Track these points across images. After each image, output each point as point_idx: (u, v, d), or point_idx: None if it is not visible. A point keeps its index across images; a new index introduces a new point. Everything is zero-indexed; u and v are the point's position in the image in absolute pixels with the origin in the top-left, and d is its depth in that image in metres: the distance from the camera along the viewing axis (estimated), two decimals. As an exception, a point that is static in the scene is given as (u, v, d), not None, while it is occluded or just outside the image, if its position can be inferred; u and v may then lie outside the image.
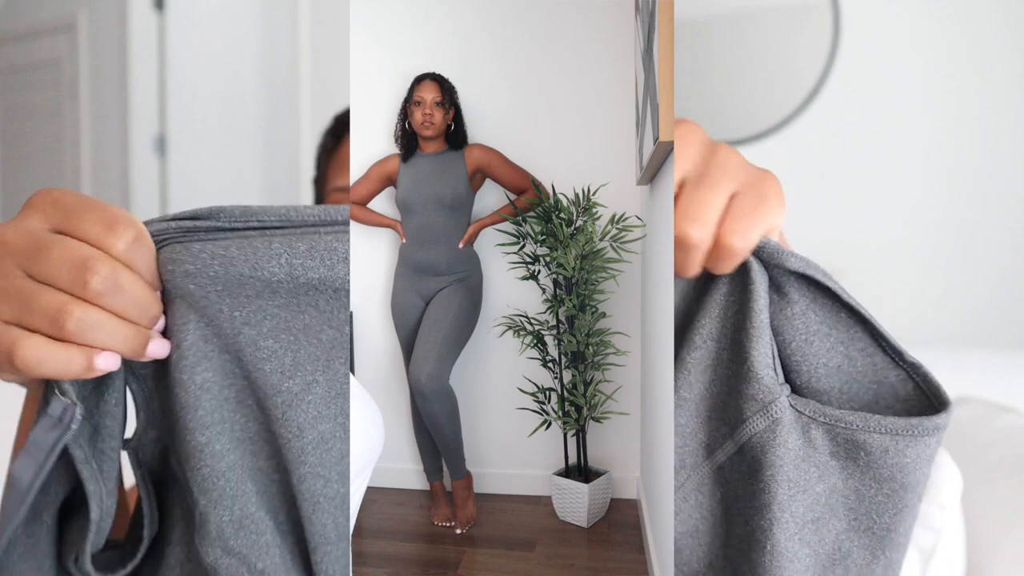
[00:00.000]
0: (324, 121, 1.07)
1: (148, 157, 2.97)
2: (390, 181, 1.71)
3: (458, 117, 1.69)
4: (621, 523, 1.66)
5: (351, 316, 1.83)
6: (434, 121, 1.63)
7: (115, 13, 3.02)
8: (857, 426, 0.44)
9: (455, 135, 1.68)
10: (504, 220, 1.68)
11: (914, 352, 0.46)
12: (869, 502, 0.45)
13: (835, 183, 2.49)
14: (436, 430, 1.61)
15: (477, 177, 1.69)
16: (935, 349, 1.37)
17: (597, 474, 1.68)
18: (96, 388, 0.42)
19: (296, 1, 2.87)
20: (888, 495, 0.45)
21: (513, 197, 1.72)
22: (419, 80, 1.66)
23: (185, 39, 2.95)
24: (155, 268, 0.38)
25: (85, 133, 3.20)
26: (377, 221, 1.73)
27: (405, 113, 1.68)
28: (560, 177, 1.74)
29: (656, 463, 1.23)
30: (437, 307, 1.66)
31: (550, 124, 1.78)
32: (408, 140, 1.68)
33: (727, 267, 0.43)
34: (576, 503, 1.63)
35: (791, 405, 0.45)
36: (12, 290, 0.33)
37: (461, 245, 1.67)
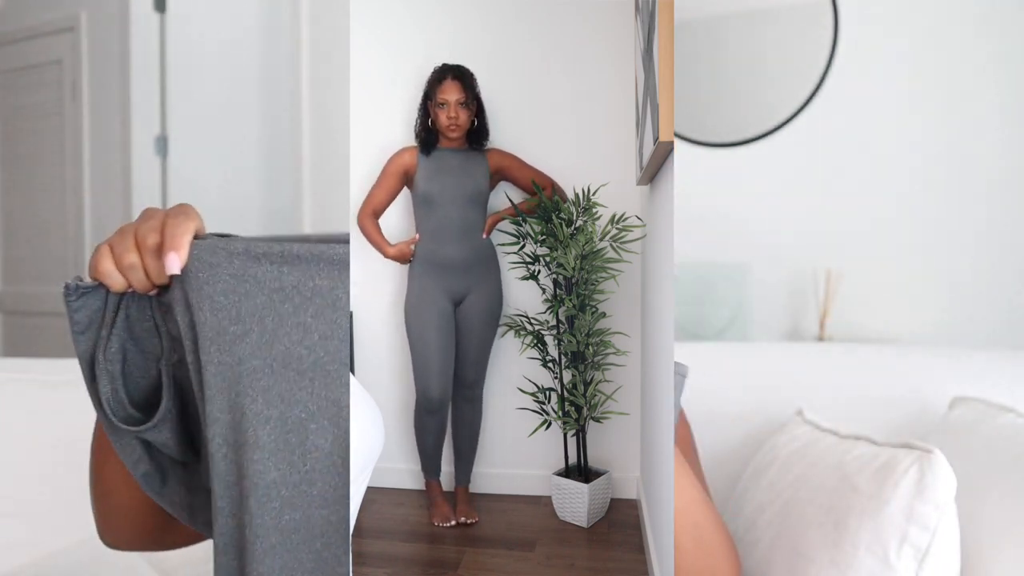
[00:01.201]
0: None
1: (149, 157, 2.96)
2: (407, 175, 1.70)
3: (480, 112, 1.68)
4: (621, 523, 1.66)
5: (351, 316, 1.83)
6: (459, 123, 1.63)
7: (116, 14, 3.02)
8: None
9: (477, 132, 1.68)
10: (520, 215, 1.67)
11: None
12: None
13: (835, 183, 2.49)
14: (469, 433, 1.75)
15: (494, 178, 1.70)
16: (935, 349, 1.37)
17: (597, 474, 1.68)
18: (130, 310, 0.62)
19: (296, 1, 2.87)
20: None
21: (516, 201, 1.72)
22: (440, 79, 1.64)
23: (186, 40, 2.95)
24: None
25: (86, 133, 3.19)
26: (382, 246, 1.70)
27: (426, 109, 1.67)
28: (560, 177, 1.74)
29: (656, 463, 1.23)
30: (469, 314, 1.69)
31: (550, 124, 1.78)
32: (428, 135, 1.67)
33: None
34: (576, 503, 1.63)
35: None
36: (126, 235, 0.60)
37: (485, 235, 1.68)
